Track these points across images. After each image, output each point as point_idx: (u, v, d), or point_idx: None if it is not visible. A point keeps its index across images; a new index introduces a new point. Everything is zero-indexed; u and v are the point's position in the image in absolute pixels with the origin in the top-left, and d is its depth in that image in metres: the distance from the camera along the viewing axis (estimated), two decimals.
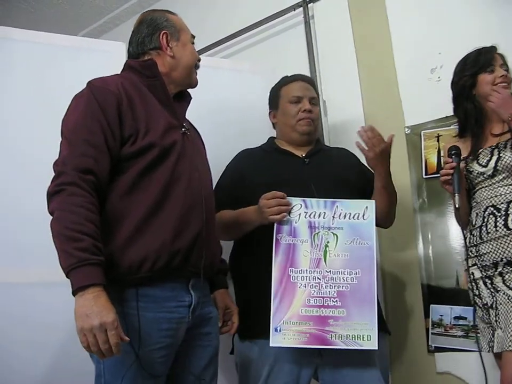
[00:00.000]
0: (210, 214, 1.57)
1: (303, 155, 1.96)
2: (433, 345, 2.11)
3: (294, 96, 2.01)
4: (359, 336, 1.57)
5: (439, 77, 2.28)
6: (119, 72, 1.64)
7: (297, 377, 1.68)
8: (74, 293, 1.25)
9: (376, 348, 1.57)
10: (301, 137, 2.00)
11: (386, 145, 1.80)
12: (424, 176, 2.25)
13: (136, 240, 1.38)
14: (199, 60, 1.71)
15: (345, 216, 1.70)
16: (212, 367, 1.56)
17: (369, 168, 1.90)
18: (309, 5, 2.74)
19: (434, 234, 2.20)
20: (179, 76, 1.63)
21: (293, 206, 1.71)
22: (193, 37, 1.72)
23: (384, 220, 1.91)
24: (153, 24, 1.64)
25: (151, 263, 1.38)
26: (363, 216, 1.70)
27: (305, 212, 1.71)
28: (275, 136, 2.11)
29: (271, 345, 1.61)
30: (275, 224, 1.70)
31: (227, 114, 2.32)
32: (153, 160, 1.44)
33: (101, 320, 1.21)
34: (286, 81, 2.08)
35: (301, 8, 2.76)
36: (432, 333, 2.11)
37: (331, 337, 1.58)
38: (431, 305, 2.14)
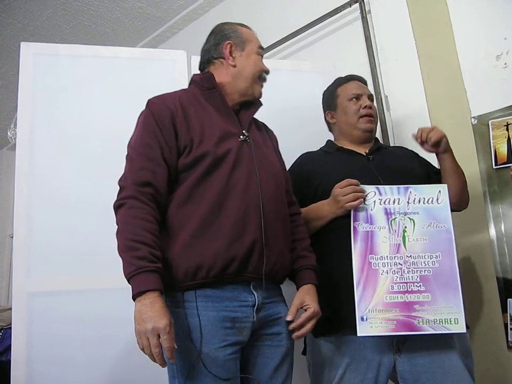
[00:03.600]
0: (272, 218, 1.54)
1: (366, 152, 1.95)
2: None
3: (353, 93, 2.02)
4: (446, 320, 1.55)
5: (505, 64, 2.20)
6: (182, 80, 1.71)
7: (376, 376, 1.64)
8: (133, 298, 1.33)
9: (465, 331, 1.55)
10: (364, 134, 1.99)
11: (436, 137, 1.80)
12: (494, 167, 2.17)
13: (191, 248, 1.43)
14: (267, 72, 1.73)
15: (419, 201, 1.69)
16: (284, 368, 1.54)
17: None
18: (365, 0, 2.71)
19: (508, 225, 2.12)
20: (241, 85, 1.66)
21: (367, 194, 1.71)
22: (262, 48, 1.74)
23: (458, 203, 1.89)
24: (221, 34, 1.70)
25: (206, 270, 1.41)
26: (437, 200, 1.69)
27: (379, 199, 1.71)
28: (332, 139, 2.10)
29: (358, 334, 1.58)
30: (352, 212, 1.69)
31: (290, 115, 2.34)
32: (207, 169, 1.48)
33: (154, 324, 1.27)
34: (341, 81, 2.10)
35: (357, 4, 2.73)
36: (511, 329, 2.04)
37: (418, 322, 1.56)
38: (509, 299, 2.07)
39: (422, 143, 1.82)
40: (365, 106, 1.98)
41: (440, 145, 1.81)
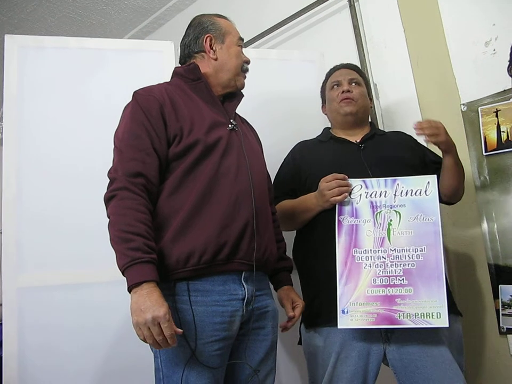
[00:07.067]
0: (262, 207, 1.58)
1: (357, 141, 1.94)
2: (505, 327, 2.04)
3: (333, 82, 2.05)
4: (428, 314, 1.53)
5: (494, 50, 2.19)
6: (169, 70, 1.72)
7: (366, 364, 1.65)
8: (129, 290, 1.31)
9: (447, 325, 1.52)
10: (345, 118, 1.99)
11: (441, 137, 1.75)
12: (485, 154, 2.17)
13: (183, 235, 1.42)
14: (248, 63, 1.73)
15: (407, 193, 1.67)
16: (268, 361, 1.56)
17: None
18: None
19: (499, 212, 2.13)
20: (224, 77, 1.67)
21: (354, 187, 1.71)
22: (242, 39, 1.74)
23: (450, 197, 1.89)
24: (199, 27, 1.70)
25: (198, 256, 1.41)
26: (425, 191, 1.66)
27: (365, 192, 1.70)
28: (329, 126, 2.11)
29: (339, 327, 1.59)
30: (337, 206, 1.71)
31: (281, 104, 2.33)
32: (198, 157, 1.48)
33: (153, 314, 1.26)
34: (329, 73, 2.13)
35: None
36: (503, 314, 2.05)
37: (399, 316, 1.55)
38: (500, 286, 2.08)
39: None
40: (343, 91, 1.98)
41: (439, 145, 1.77)
